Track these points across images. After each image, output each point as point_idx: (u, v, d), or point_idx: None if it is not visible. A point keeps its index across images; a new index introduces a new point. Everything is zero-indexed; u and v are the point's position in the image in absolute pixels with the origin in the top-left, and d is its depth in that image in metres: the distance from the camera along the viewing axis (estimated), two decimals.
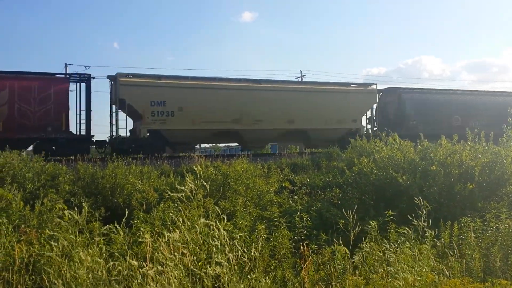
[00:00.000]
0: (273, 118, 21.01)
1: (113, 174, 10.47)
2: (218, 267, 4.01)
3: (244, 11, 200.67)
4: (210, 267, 3.97)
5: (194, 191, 4.51)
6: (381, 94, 24.70)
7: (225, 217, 4.76)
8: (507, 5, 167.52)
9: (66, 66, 39.37)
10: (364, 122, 23.86)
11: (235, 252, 4.27)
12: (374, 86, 24.14)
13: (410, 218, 5.54)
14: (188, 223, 4.39)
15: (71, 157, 15.20)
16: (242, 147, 24.18)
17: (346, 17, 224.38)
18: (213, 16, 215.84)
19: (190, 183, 4.47)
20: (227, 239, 4.31)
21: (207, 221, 4.34)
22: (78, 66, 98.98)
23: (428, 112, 23.52)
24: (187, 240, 4.22)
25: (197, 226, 4.31)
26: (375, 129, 23.96)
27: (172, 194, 4.53)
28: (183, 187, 4.46)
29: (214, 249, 4.18)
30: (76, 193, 9.91)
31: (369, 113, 24.13)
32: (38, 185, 9.70)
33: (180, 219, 4.43)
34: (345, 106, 22.47)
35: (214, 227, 4.28)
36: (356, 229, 5.22)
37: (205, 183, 4.63)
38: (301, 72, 45.72)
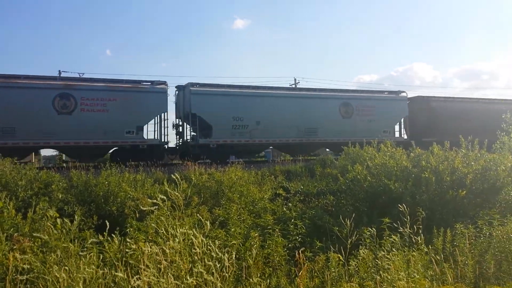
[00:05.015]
0: None
1: (106, 182, 10.39)
2: (210, 275, 3.97)
3: (236, 19, 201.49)
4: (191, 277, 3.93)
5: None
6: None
7: (208, 224, 4.78)
8: (496, 8, 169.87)
9: (59, 73, 39.24)
10: None
11: (226, 261, 4.24)
12: None
13: (402, 225, 5.56)
14: (173, 232, 4.35)
15: (64, 164, 15.08)
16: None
17: (338, 25, 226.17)
18: (205, 23, 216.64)
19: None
20: (213, 246, 4.28)
21: (186, 231, 4.32)
22: (72, 73, 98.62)
23: None
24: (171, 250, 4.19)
25: (178, 236, 4.28)
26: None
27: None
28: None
29: (196, 257, 4.16)
30: (69, 201, 9.80)
31: None
32: (30, 193, 9.59)
33: (163, 228, 4.43)
34: None
35: (194, 236, 4.25)
36: (354, 237, 5.22)
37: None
38: (295, 80, 45.70)
